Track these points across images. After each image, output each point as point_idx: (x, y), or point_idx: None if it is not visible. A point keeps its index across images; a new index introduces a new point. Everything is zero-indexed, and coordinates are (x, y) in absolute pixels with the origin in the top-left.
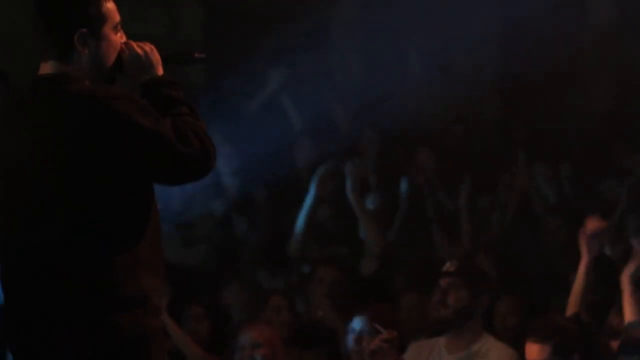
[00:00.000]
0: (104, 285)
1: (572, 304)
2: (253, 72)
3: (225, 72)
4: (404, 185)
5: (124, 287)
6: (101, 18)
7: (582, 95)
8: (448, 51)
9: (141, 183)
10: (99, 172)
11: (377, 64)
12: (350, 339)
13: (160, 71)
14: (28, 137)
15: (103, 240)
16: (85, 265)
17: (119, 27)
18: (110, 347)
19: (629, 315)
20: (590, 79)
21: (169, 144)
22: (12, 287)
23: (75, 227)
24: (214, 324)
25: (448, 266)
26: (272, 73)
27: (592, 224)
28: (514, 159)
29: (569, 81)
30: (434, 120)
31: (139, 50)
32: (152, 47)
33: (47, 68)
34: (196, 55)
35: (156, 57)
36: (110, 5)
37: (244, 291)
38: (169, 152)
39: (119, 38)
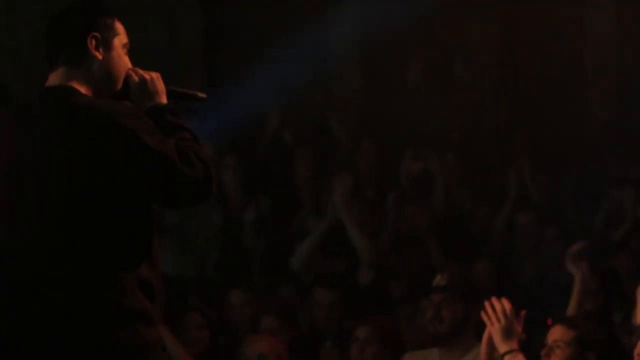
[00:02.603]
0: (104, 298)
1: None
2: (253, 80)
3: (225, 82)
4: (393, 196)
5: (124, 300)
6: (113, 30)
7: (582, 104)
8: (447, 60)
9: (143, 199)
10: (103, 187)
11: (376, 72)
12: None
13: (164, 99)
14: (33, 148)
15: (104, 254)
16: (85, 279)
17: (127, 50)
18: (110, 359)
19: None
20: (589, 87)
21: (173, 165)
22: (11, 299)
23: (76, 241)
24: (213, 332)
25: (439, 280)
26: (271, 113)
27: (576, 246)
28: (515, 166)
29: (568, 89)
30: (432, 129)
31: (146, 76)
32: (158, 75)
33: (55, 78)
34: (199, 95)
35: (161, 85)
36: (121, 26)
37: (245, 300)
38: (172, 173)
39: (128, 61)
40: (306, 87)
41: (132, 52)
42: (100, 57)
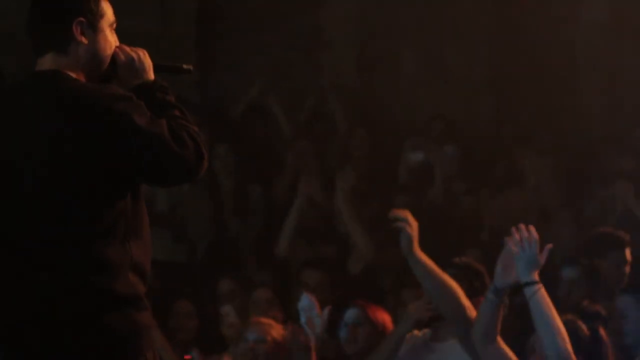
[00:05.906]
0: (95, 283)
1: None
2: (246, 68)
3: (218, 68)
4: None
5: (115, 285)
6: (99, 12)
7: (574, 95)
8: (441, 49)
9: (134, 183)
10: (94, 171)
11: (370, 62)
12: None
13: (152, 76)
14: (23, 133)
15: (95, 239)
16: (76, 263)
17: (114, 28)
18: (101, 344)
19: None
20: (582, 78)
21: (165, 145)
22: (2, 285)
23: (67, 225)
24: (202, 321)
25: (457, 260)
26: (257, 84)
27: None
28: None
29: (561, 81)
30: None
31: (133, 54)
32: (145, 51)
33: (44, 63)
34: (184, 66)
35: (148, 62)
36: (107, 5)
37: (235, 289)
38: (165, 153)
39: (115, 39)
40: (301, 74)
41: (125, 37)
42: (86, 41)
